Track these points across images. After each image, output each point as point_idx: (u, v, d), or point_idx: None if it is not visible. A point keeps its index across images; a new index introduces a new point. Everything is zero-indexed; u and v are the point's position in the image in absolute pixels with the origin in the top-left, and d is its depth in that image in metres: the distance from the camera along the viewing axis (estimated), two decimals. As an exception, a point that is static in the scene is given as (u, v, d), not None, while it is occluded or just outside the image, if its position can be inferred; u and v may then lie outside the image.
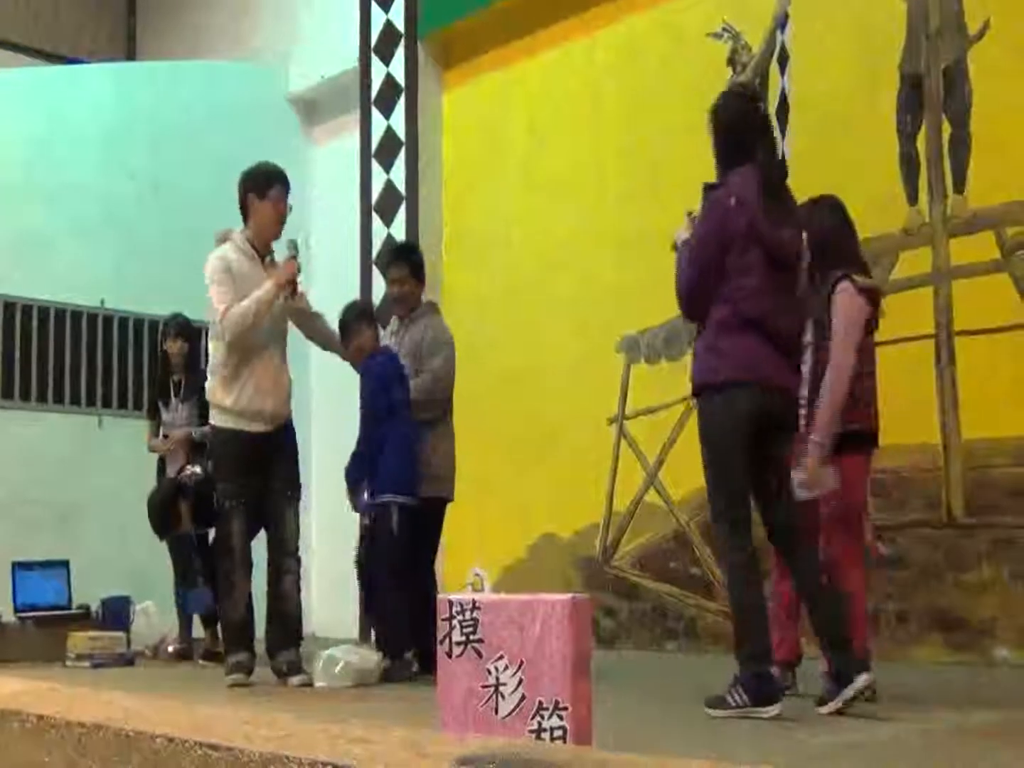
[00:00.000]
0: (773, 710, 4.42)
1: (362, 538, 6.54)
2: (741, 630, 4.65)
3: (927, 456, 6.93)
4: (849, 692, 4.47)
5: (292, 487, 6.35)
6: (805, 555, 4.79)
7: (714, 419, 4.77)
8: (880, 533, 7.21)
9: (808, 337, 5.19)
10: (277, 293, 6.10)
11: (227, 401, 6.17)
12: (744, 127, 4.89)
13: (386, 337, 6.80)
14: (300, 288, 6.38)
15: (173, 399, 8.33)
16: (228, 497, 6.21)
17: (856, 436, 5.12)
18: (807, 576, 4.77)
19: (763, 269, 4.73)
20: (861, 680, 4.49)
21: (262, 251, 6.28)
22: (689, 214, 5.05)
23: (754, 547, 4.71)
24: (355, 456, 6.39)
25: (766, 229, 4.74)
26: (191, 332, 8.42)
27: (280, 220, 6.28)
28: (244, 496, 6.19)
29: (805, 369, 5.13)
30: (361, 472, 6.35)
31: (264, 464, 6.23)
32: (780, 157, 5.21)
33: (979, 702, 4.97)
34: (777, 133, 7.88)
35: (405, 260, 6.89)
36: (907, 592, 6.94)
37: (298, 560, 6.33)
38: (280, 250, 6.34)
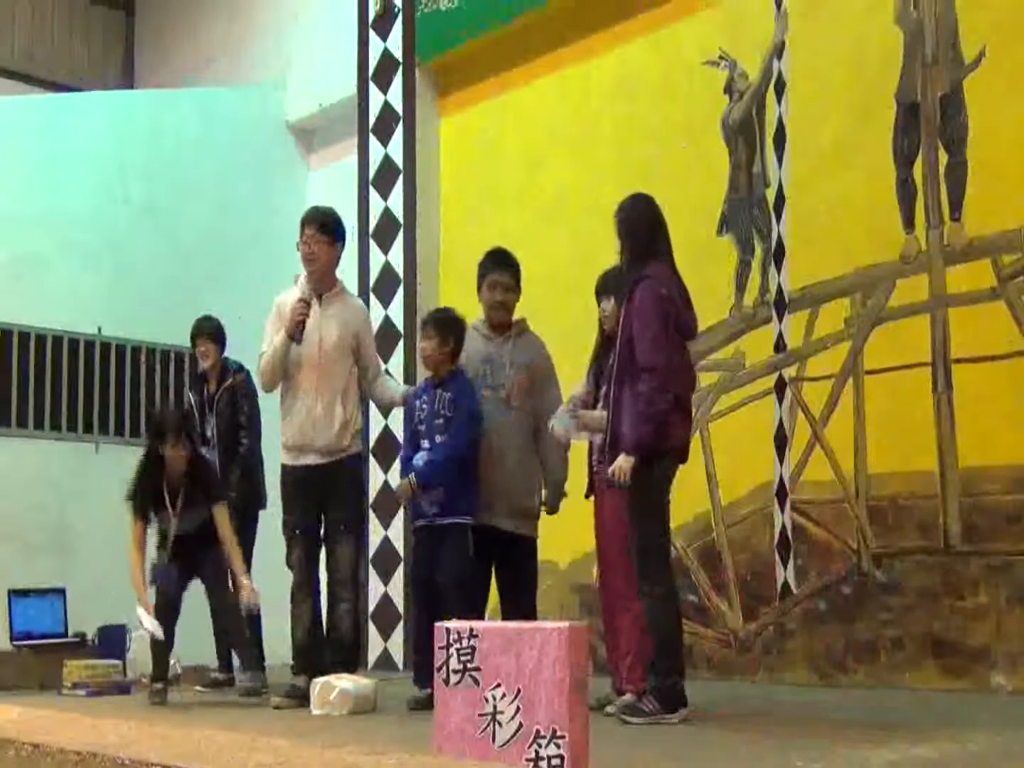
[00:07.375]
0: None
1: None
2: None
3: (924, 483, 6.92)
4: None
5: (346, 521, 6.48)
6: None
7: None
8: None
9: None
10: (287, 341, 6.33)
11: (281, 437, 6.47)
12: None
13: (477, 350, 6.45)
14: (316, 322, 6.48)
15: (170, 510, 6.82)
16: (287, 528, 6.46)
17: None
18: None
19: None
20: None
21: (318, 292, 6.50)
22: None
23: None
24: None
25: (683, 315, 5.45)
26: (196, 437, 7.36)
27: (305, 261, 6.50)
28: (300, 527, 6.39)
29: None
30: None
31: (321, 496, 6.40)
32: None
33: (975, 728, 4.96)
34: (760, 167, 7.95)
35: (511, 265, 6.54)
36: (903, 618, 6.93)
37: (353, 591, 6.44)
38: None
